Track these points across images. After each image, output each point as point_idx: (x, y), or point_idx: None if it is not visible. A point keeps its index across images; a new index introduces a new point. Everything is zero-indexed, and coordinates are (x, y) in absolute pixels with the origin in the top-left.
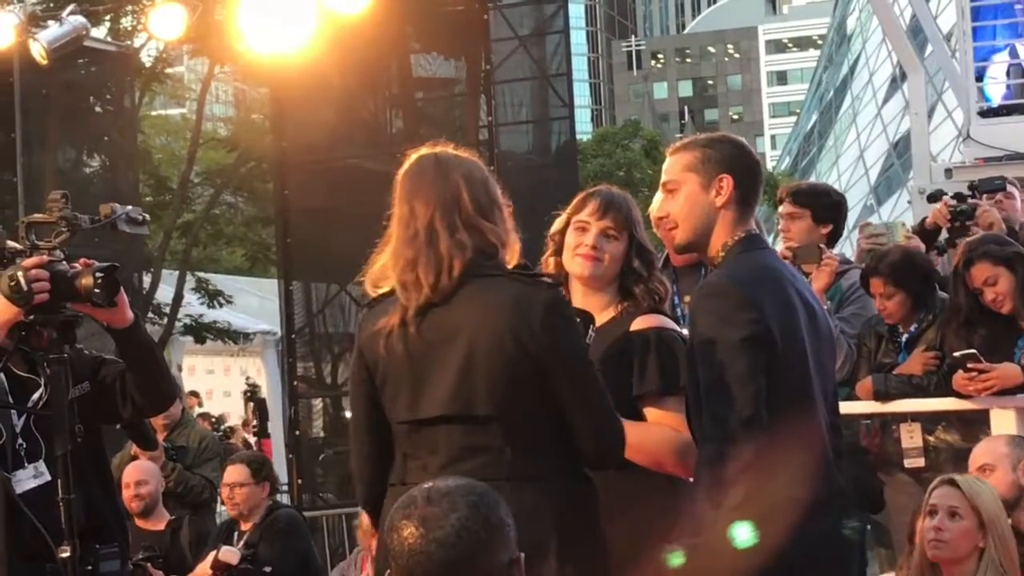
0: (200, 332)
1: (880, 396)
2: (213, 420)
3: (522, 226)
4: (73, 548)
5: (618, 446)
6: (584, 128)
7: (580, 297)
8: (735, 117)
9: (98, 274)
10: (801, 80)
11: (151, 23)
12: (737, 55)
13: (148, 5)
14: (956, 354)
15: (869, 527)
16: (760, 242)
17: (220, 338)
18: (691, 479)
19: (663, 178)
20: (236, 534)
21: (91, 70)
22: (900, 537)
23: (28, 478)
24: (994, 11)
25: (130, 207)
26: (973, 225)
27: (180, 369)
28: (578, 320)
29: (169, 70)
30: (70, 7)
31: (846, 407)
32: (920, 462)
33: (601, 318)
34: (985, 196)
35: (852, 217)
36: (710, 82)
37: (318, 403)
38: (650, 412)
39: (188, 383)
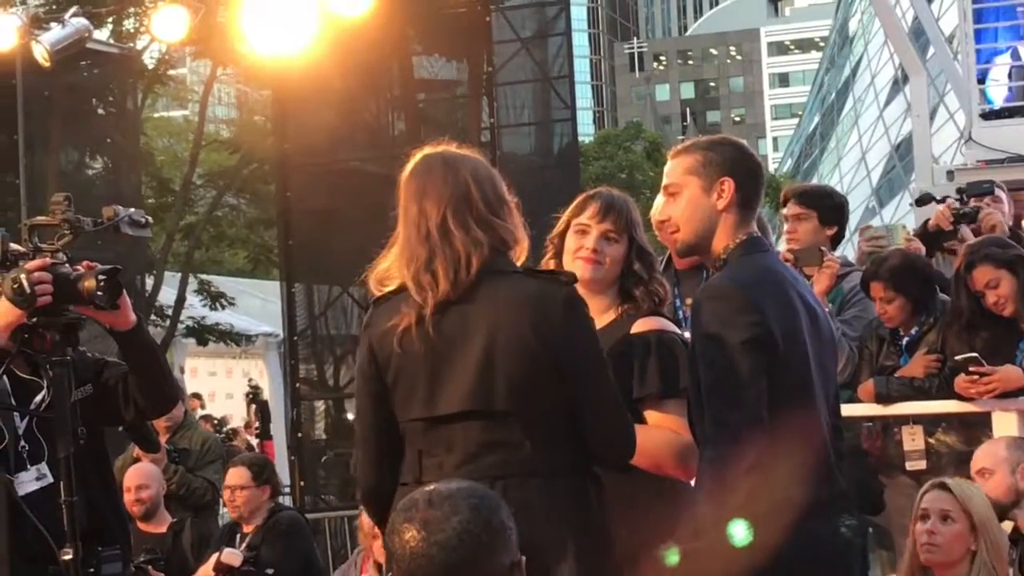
0: (202, 334)
1: (882, 399)
2: (215, 422)
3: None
4: (75, 550)
5: (629, 445)
6: (586, 130)
7: None
8: (737, 119)
9: (101, 276)
10: (803, 82)
11: (153, 25)
12: (739, 57)
13: (150, 7)
14: (958, 357)
15: (871, 530)
16: (761, 244)
17: (222, 340)
18: (692, 482)
19: (664, 181)
20: (238, 536)
21: (94, 72)
22: (901, 539)
23: (31, 480)
24: (996, 13)
25: (132, 209)
26: (976, 227)
27: (182, 371)
28: None
29: (171, 72)
30: (73, 9)
31: (848, 409)
32: (922, 464)
33: (601, 321)
34: (972, 200)
35: (854, 219)
36: (712, 84)
37: (320, 405)
38: (650, 415)
39: (190, 385)
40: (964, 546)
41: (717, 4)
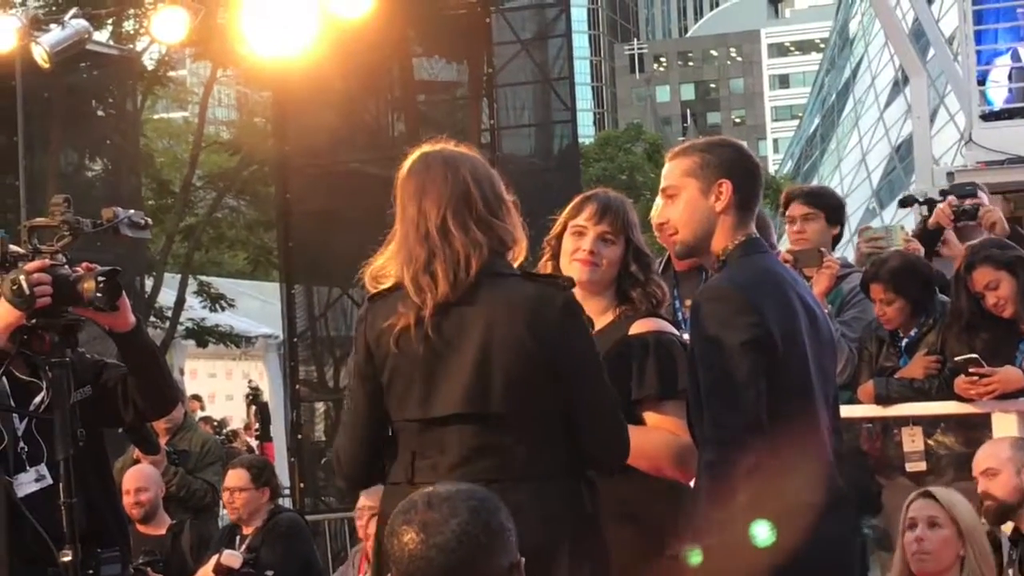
0: (202, 336)
1: (881, 400)
2: (215, 424)
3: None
4: (74, 552)
5: (623, 449)
6: (586, 132)
7: None
8: (737, 120)
9: (100, 278)
10: (803, 83)
11: (153, 27)
12: (739, 58)
13: (150, 9)
14: (958, 358)
15: (871, 531)
16: (760, 246)
17: (222, 342)
18: (690, 483)
19: (662, 183)
20: (238, 538)
21: (93, 74)
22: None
23: (30, 482)
24: (996, 15)
25: (132, 211)
26: (976, 225)
27: (182, 373)
28: None
29: (171, 73)
30: (72, 11)
31: (848, 411)
32: (921, 466)
33: (599, 322)
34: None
35: (854, 221)
36: (712, 85)
37: (320, 407)
38: (649, 416)
39: (190, 387)
40: (953, 552)
41: (717, 5)
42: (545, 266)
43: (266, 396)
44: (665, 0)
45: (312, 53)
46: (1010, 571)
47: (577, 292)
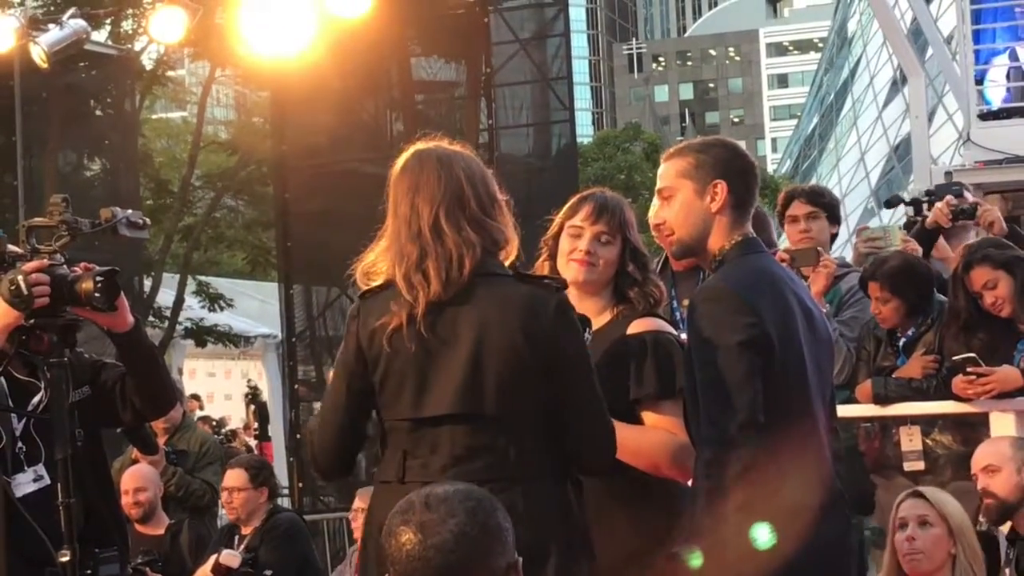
0: (201, 335)
1: (880, 399)
2: (214, 423)
3: (520, 229)
4: (73, 552)
5: (611, 452)
6: (585, 131)
7: (575, 302)
8: (736, 120)
9: (98, 278)
10: (802, 83)
11: (152, 26)
12: (738, 58)
13: (148, 9)
14: (955, 358)
15: (868, 532)
16: (757, 245)
17: (221, 341)
18: (688, 482)
19: (658, 185)
20: (237, 538)
21: (92, 73)
22: None
23: (28, 482)
24: (994, 14)
25: (130, 211)
26: (975, 224)
27: (181, 372)
28: None
29: (170, 73)
30: (71, 10)
31: (846, 410)
32: (920, 465)
33: (597, 322)
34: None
35: (853, 220)
36: (711, 85)
37: (319, 406)
38: (647, 416)
39: (189, 386)
40: (945, 550)
41: (716, 5)
42: (542, 266)
43: (265, 396)
44: (663, 0)
45: (310, 53)
46: (1007, 571)
47: (574, 292)
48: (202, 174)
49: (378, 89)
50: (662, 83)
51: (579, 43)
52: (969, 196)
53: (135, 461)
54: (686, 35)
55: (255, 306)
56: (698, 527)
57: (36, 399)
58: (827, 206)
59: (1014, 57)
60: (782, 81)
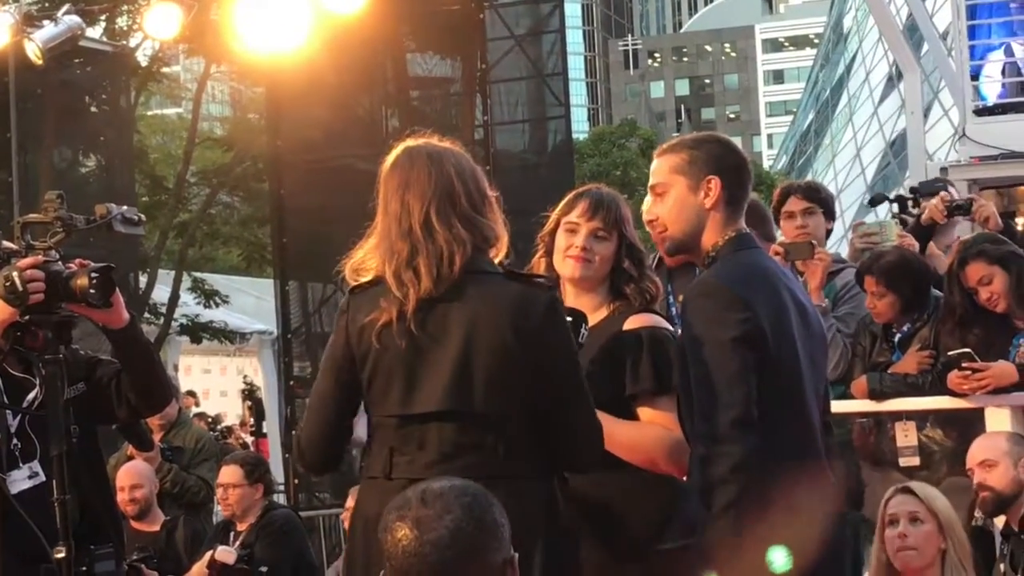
0: (196, 332)
1: (875, 395)
2: (209, 420)
3: (517, 225)
4: (68, 549)
5: (598, 450)
6: (580, 127)
7: (571, 298)
8: (732, 116)
9: (93, 274)
10: (798, 79)
11: (146, 23)
12: (734, 54)
13: (143, 5)
14: (951, 353)
15: (864, 526)
16: (750, 241)
17: (216, 338)
18: (684, 478)
19: (651, 181)
20: (232, 534)
21: (87, 70)
22: None
23: (23, 478)
24: (989, 10)
25: (126, 207)
26: (969, 219)
27: (176, 369)
28: (571, 320)
29: (165, 69)
30: (65, 7)
31: (841, 406)
32: (915, 461)
33: (593, 318)
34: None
35: (849, 216)
36: (707, 81)
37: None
38: (643, 411)
39: (184, 383)
40: (935, 546)
41: (711, 1)
42: (538, 263)
43: (260, 392)
44: None
45: (305, 49)
46: (1001, 566)
47: (571, 288)
48: (197, 170)
49: (373, 85)
50: (658, 79)
51: (574, 39)
52: (954, 192)
53: (131, 458)
54: (682, 31)
55: (251, 302)
56: (693, 522)
57: (31, 396)
58: (823, 202)
59: (1009, 53)
60: (778, 77)
